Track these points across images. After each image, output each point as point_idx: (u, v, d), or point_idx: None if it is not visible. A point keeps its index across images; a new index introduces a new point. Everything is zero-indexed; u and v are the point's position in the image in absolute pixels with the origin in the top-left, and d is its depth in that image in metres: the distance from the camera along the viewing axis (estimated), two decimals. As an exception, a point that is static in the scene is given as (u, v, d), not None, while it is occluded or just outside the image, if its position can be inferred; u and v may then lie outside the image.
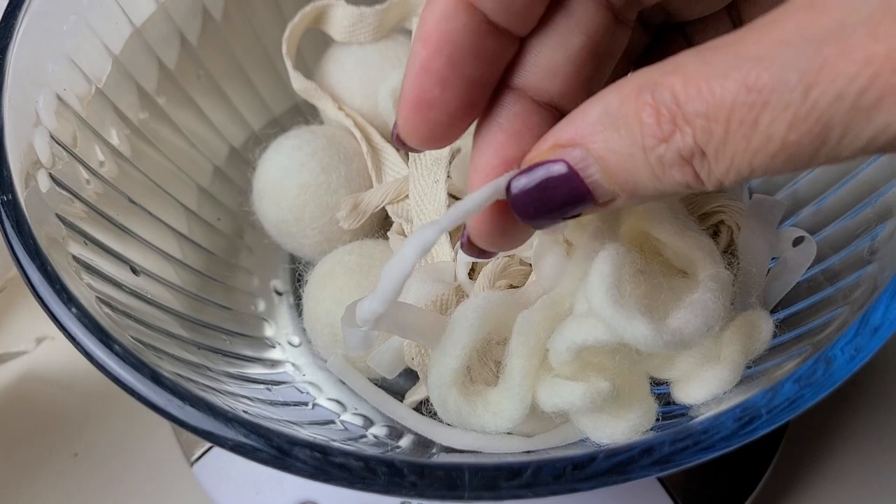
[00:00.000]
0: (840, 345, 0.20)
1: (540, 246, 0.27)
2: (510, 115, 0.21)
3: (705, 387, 0.24)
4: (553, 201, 0.19)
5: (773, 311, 0.28)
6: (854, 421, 0.39)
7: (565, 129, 0.19)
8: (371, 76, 0.36)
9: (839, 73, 0.14)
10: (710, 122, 0.16)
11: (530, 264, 0.30)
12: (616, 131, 0.17)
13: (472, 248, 0.23)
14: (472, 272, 0.30)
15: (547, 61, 0.21)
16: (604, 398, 0.23)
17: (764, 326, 0.25)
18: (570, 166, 0.18)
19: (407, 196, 0.32)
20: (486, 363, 0.28)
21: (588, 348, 0.23)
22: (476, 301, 0.26)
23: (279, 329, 0.38)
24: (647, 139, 0.17)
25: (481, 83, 0.21)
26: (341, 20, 0.36)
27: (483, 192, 0.20)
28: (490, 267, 0.29)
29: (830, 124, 0.14)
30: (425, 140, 0.21)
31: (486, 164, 0.21)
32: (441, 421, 0.30)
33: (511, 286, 0.29)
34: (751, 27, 0.16)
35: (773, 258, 0.29)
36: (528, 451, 0.28)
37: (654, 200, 0.21)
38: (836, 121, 0.14)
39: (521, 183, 0.19)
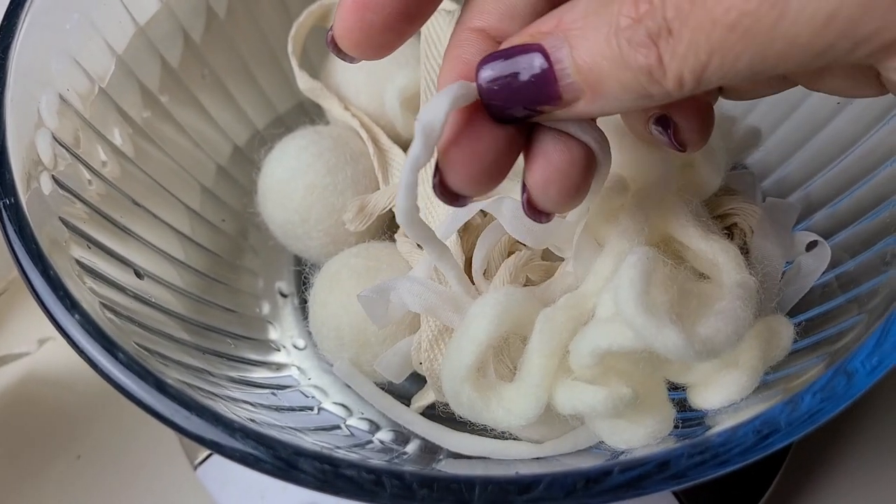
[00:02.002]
0: (860, 357, 0.20)
1: (579, 241, 0.26)
2: (473, 51, 0.21)
3: (723, 392, 0.24)
4: (522, 89, 0.19)
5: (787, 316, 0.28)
6: (865, 424, 0.38)
7: (548, 20, 0.19)
8: (377, 76, 0.35)
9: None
10: (702, 53, 0.16)
11: (552, 261, 0.29)
12: (597, 17, 0.17)
13: (444, 189, 0.21)
14: (488, 271, 0.29)
15: (506, 6, 0.21)
16: (625, 404, 0.23)
17: (784, 332, 0.24)
18: (545, 52, 0.18)
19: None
20: (502, 359, 0.27)
21: (612, 353, 0.22)
22: (496, 296, 0.25)
23: (284, 332, 0.37)
24: (622, 18, 0.17)
25: None
26: None
27: (456, 86, 0.19)
28: (512, 260, 0.28)
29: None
30: (358, 44, 0.21)
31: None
32: (450, 425, 0.30)
33: (529, 282, 0.29)
34: None
35: (786, 263, 0.29)
36: (539, 459, 0.28)
37: (616, 110, 0.20)
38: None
39: (492, 69, 0.19)
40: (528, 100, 0.19)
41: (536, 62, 0.18)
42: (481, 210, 0.28)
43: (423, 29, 0.33)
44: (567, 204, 0.21)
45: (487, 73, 0.19)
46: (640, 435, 0.23)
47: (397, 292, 0.27)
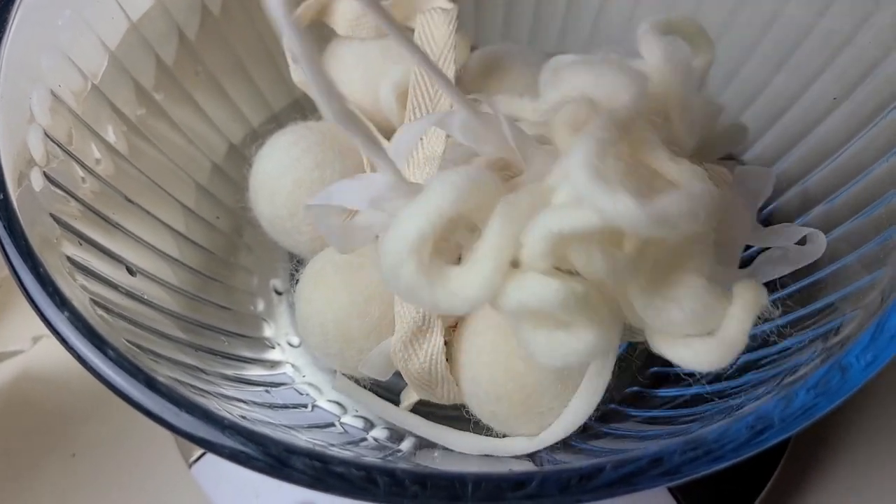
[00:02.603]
0: (855, 352, 0.20)
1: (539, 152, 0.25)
2: None
3: (688, 352, 0.23)
4: None
5: (784, 314, 0.28)
6: (864, 420, 0.38)
7: None
8: (372, 72, 0.35)
9: None
10: None
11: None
12: None
13: None
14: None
15: None
16: (577, 299, 0.21)
17: (751, 296, 0.23)
18: None
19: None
20: (447, 240, 0.25)
21: (565, 239, 0.21)
22: (459, 171, 0.23)
23: (279, 329, 0.37)
24: None
25: None
26: (346, 13, 0.36)
27: None
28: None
29: None
30: None
31: None
32: (448, 424, 0.30)
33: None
34: None
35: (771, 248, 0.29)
36: (532, 456, 0.28)
37: None
38: None
39: None
40: None
41: None
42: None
43: (418, 26, 0.33)
44: None
45: None
46: (577, 349, 0.22)
47: (339, 194, 0.25)
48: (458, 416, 0.30)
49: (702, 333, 0.23)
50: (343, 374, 0.32)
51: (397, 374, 0.30)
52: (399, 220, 0.22)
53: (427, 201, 0.22)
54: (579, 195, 0.20)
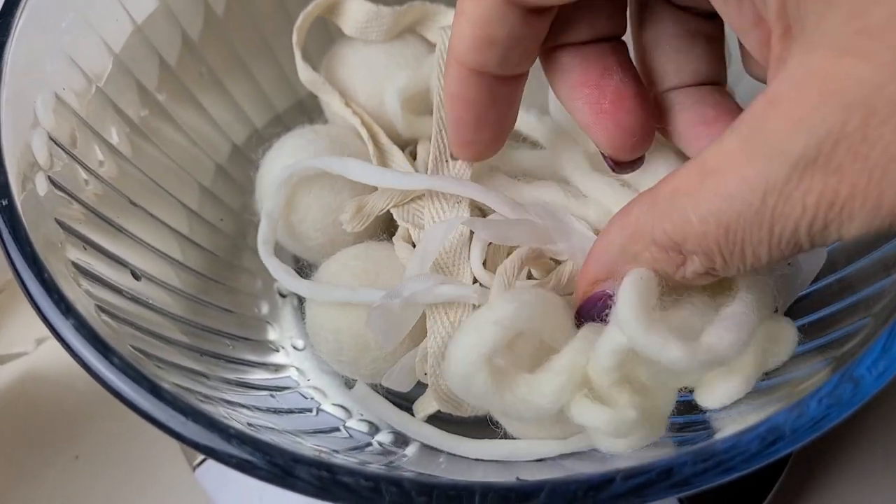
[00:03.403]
0: (867, 363, 0.20)
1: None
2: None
3: (715, 396, 0.24)
4: (604, 312, 0.23)
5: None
6: (869, 427, 0.38)
7: (595, 266, 0.23)
8: (376, 75, 0.35)
9: (789, 216, 0.18)
10: (709, 255, 0.20)
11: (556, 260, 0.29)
12: (637, 263, 0.22)
13: (620, 165, 0.26)
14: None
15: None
16: (628, 427, 0.23)
17: (786, 337, 0.24)
18: (608, 294, 0.23)
19: (413, 199, 0.31)
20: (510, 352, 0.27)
21: (631, 356, 0.22)
22: (522, 292, 0.25)
23: (283, 332, 0.37)
24: (668, 268, 0.21)
25: (506, 114, 0.27)
26: (356, 14, 0.35)
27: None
28: (518, 253, 0.28)
29: (799, 242, 0.18)
30: (478, 158, 0.29)
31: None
32: (459, 430, 0.30)
33: (531, 277, 0.29)
34: (704, 170, 0.19)
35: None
36: (543, 462, 0.28)
37: None
38: (802, 240, 0.18)
39: (586, 310, 0.24)
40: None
41: (606, 299, 0.23)
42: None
43: (439, 41, 0.33)
44: (642, 144, 0.26)
45: (583, 314, 0.24)
46: (622, 444, 0.24)
47: (406, 295, 0.27)
48: (466, 421, 0.30)
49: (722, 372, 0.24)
50: (363, 383, 0.32)
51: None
52: (469, 330, 0.24)
53: (497, 312, 0.24)
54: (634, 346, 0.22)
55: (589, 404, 0.23)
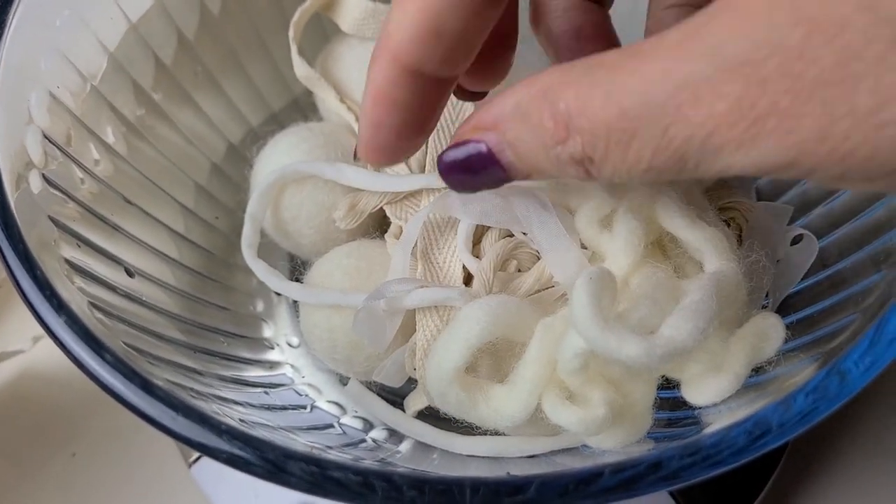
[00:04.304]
0: (854, 357, 0.20)
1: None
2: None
3: (705, 392, 0.24)
4: (476, 174, 0.22)
5: (780, 315, 0.28)
6: (862, 423, 0.38)
7: (486, 114, 0.21)
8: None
9: (690, 119, 0.17)
10: (594, 138, 0.18)
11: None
12: (525, 124, 0.20)
13: (462, 91, 0.26)
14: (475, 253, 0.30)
15: None
16: (599, 425, 0.23)
17: (773, 331, 0.24)
18: (488, 147, 0.21)
19: (405, 197, 0.31)
20: (488, 358, 0.27)
21: (595, 358, 0.22)
22: (489, 302, 0.25)
23: (278, 329, 0.37)
24: (547, 139, 0.19)
25: (430, 118, 0.24)
26: (353, 11, 0.35)
27: None
28: (501, 244, 0.29)
29: (685, 157, 0.17)
30: (389, 164, 0.25)
31: None
32: (451, 426, 0.30)
33: (518, 270, 0.29)
34: (634, 52, 0.18)
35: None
36: (533, 458, 0.28)
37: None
38: (690, 155, 0.17)
39: (451, 155, 0.22)
40: (481, 182, 0.22)
41: (486, 162, 0.21)
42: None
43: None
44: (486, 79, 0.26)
45: (447, 162, 0.22)
46: (609, 442, 0.24)
47: (389, 296, 0.27)
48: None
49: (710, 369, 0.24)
50: (356, 381, 0.33)
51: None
52: (439, 348, 0.25)
53: (464, 329, 0.24)
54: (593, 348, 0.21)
55: (560, 405, 0.23)
